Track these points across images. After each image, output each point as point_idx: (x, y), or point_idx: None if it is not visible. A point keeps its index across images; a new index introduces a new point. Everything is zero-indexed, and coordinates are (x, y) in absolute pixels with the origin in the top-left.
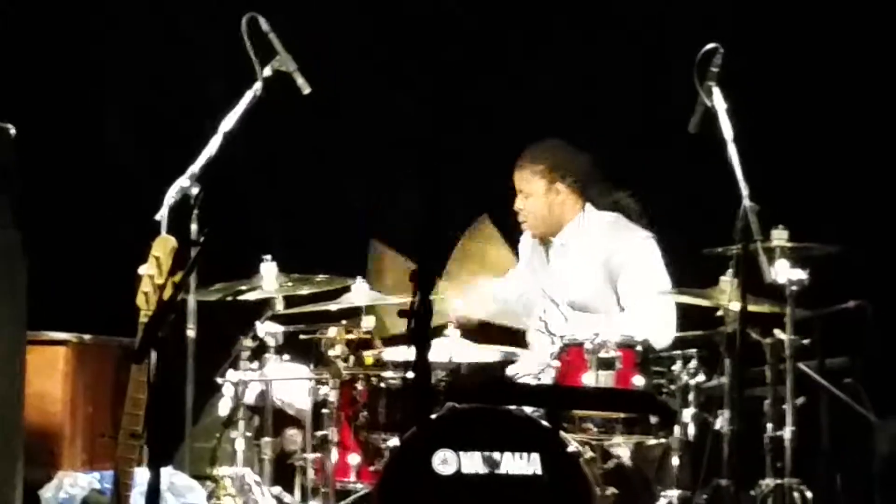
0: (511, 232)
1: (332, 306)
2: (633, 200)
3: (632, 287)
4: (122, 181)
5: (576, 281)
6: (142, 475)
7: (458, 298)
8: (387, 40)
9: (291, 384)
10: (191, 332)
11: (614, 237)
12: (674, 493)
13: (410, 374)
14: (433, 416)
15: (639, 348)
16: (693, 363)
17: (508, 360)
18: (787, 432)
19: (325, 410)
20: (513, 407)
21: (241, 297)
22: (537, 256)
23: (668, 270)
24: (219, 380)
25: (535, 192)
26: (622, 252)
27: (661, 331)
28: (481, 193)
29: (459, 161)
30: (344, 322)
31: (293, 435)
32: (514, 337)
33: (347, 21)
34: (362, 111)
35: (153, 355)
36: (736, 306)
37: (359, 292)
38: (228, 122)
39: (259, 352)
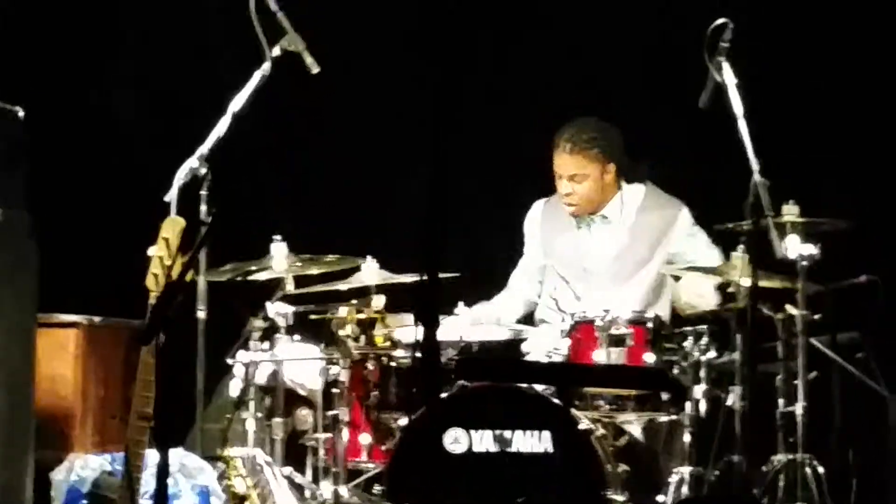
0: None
1: (343, 286)
2: (655, 171)
3: (682, 253)
4: (131, 163)
5: (614, 252)
6: (153, 457)
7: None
8: (395, 19)
9: (302, 364)
10: (201, 314)
11: (653, 208)
12: (685, 470)
13: (420, 354)
14: (444, 395)
15: (650, 325)
16: (704, 339)
17: (518, 339)
18: (799, 408)
19: (335, 390)
20: (524, 385)
21: (251, 278)
22: (559, 230)
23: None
24: (229, 360)
25: (591, 176)
26: (665, 222)
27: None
28: (489, 170)
29: (467, 138)
30: (354, 302)
31: (304, 415)
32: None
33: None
34: (372, 90)
35: (162, 336)
36: (747, 282)
37: (369, 272)
38: (237, 103)
39: (270, 332)
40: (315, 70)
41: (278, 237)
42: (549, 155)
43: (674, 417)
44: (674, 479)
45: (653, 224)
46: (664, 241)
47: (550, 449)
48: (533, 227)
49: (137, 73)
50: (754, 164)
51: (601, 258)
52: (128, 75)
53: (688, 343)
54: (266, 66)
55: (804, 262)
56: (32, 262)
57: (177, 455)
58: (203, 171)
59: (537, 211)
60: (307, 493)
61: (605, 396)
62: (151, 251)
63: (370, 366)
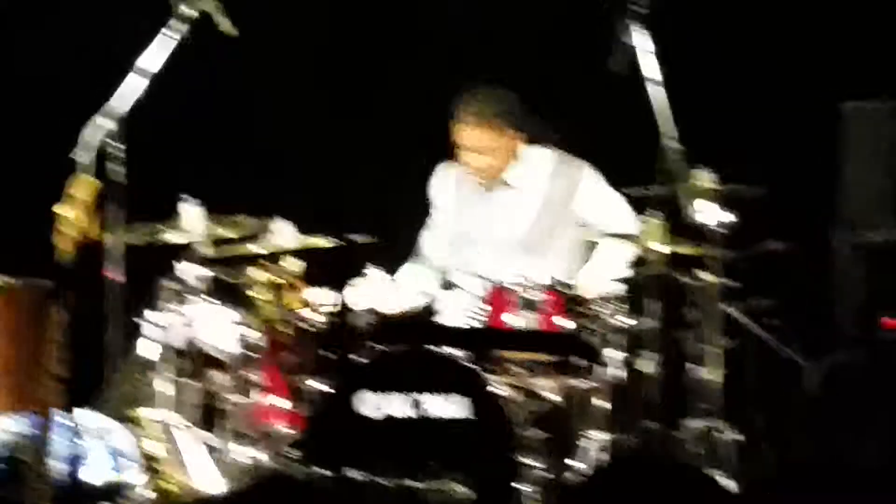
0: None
1: (257, 248)
2: (557, 134)
3: (598, 216)
4: (38, 119)
5: (524, 218)
6: (63, 418)
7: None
8: None
9: (217, 327)
10: (111, 274)
11: (562, 173)
12: (600, 435)
13: (335, 317)
14: (359, 359)
15: (563, 290)
16: (619, 305)
17: (434, 303)
18: (714, 374)
19: (250, 353)
20: (439, 349)
21: (162, 238)
22: (466, 195)
23: None
24: (141, 321)
25: (493, 148)
26: (576, 186)
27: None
28: (407, 130)
29: (383, 96)
30: (267, 263)
31: (219, 378)
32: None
33: None
34: (284, 48)
35: (72, 296)
36: (658, 247)
37: (282, 233)
38: (147, 60)
39: (183, 294)
40: (234, 33)
41: (188, 196)
42: (448, 124)
43: (589, 383)
44: (588, 444)
45: (562, 191)
46: (573, 206)
47: (464, 414)
48: (445, 193)
49: (46, 25)
50: (666, 129)
51: (511, 227)
52: (36, 27)
53: (602, 308)
54: (177, 22)
55: (719, 229)
56: None
57: (88, 416)
58: (111, 127)
59: (447, 176)
60: (221, 457)
61: (521, 361)
62: (58, 209)
63: (286, 329)
